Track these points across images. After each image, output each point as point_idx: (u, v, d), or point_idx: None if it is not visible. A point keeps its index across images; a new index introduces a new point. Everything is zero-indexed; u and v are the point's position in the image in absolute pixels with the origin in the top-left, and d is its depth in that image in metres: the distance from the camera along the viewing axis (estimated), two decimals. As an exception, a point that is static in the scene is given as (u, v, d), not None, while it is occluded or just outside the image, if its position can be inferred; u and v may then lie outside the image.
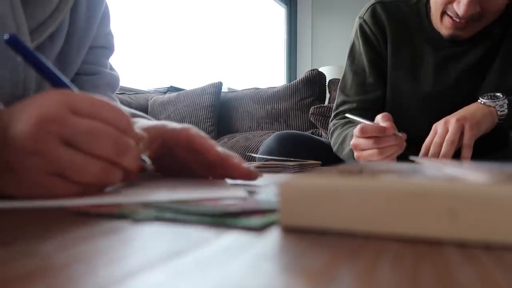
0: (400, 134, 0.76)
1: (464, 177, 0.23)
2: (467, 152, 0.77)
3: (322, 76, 2.18)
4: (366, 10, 1.02)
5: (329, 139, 1.07)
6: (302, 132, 1.16)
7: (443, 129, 0.79)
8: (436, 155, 0.77)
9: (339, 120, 1.04)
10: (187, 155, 0.42)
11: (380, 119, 0.77)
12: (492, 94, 0.84)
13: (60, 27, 0.53)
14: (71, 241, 0.18)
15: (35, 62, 0.34)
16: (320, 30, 3.81)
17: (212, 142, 0.41)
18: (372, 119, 1.00)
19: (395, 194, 0.18)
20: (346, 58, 1.08)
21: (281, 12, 3.93)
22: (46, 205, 0.27)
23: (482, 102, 0.82)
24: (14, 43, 0.33)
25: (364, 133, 0.75)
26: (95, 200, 0.29)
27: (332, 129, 1.05)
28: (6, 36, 0.33)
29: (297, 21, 3.94)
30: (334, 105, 1.10)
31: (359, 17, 1.03)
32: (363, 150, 0.78)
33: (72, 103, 0.29)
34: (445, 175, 0.26)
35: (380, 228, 0.19)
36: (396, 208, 0.18)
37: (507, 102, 0.82)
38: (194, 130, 0.42)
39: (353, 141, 0.80)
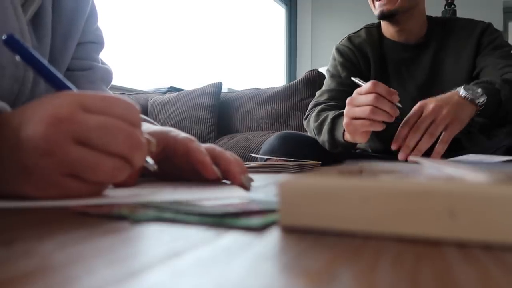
0: (399, 105, 0.79)
1: (464, 177, 0.23)
2: (441, 147, 0.80)
3: (322, 76, 2.17)
4: (341, 41, 1.18)
5: (309, 127, 1.08)
6: (304, 133, 1.16)
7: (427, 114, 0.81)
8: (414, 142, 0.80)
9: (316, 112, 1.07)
10: (185, 165, 0.43)
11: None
12: (468, 86, 0.84)
13: (42, 13, 0.52)
14: (71, 241, 0.18)
15: (33, 61, 0.34)
16: (320, 30, 3.81)
17: (208, 159, 0.41)
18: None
19: (395, 194, 0.18)
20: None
21: (281, 12, 3.92)
22: (46, 205, 0.27)
23: (463, 96, 0.82)
24: (12, 42, 0.33)
25: (375, 88, 0.77)
26: (95, 200, 0.29)
27: (311, 122, 1.06)
28: (4, 37, 0.33)
29: (297, 21, 3.94)
30: (310, 105, 1.13)
31: (335, 46, 1.18)
32: (357, 106, 0.79)
33: (82, 101, 0.29)
34: (444, 175, 0.26)
35: (380, 228, 0.19)
36: (396, 208, 0.18)
37: (482, 89, 0.82)
38: (195, 144, 0.42)
39: (352, 97, 0.82)
